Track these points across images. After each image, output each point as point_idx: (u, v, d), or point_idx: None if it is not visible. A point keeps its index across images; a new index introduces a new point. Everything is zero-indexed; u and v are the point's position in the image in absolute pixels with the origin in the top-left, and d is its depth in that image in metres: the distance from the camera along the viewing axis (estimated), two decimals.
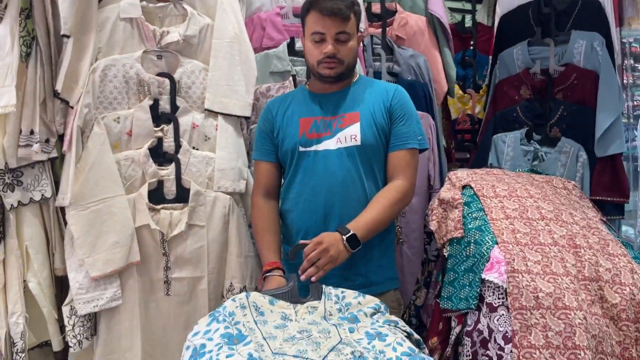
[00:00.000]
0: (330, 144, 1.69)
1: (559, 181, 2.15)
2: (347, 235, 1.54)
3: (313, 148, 1.71)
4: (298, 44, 2.21)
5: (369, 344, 1.35)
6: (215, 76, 2.01)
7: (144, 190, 1.91)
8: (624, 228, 2.55)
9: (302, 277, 1.53)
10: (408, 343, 1.36)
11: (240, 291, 2.00)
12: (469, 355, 1.68)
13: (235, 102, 2.04)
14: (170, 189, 1.95)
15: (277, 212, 1.81)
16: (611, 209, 2.30)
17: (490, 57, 2.81)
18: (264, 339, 1.35)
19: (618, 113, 2.24)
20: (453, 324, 1.80)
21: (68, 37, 1.80)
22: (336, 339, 1.36)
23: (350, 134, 1.68)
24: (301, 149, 1.72)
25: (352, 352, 1.30)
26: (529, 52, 2.55)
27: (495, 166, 2.57)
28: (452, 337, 1.78)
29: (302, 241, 1.59)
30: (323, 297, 1.51)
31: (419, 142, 1.73)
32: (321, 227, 1.63)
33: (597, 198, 2.27)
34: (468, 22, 2.91)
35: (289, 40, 2.23)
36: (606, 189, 2.29)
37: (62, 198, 1.81)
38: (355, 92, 1.76)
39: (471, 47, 2.83)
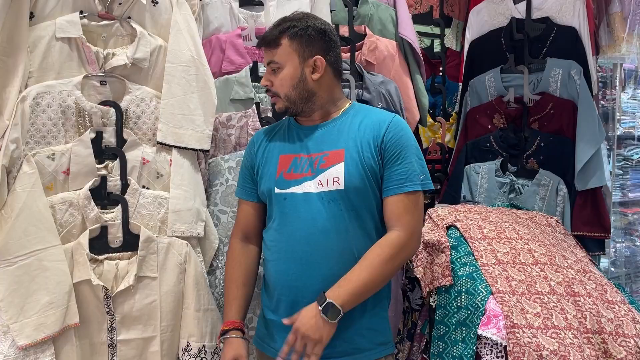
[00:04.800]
0: (311, 187, 1.45)
1: (542, 217, 2.03)
2: (322, 306, 1.32)
3: (291, 190, 1.47)
4: (261, 69, 1.99)
5: None
6: (169, 104, 1.77)
7: (84, 238, 1.63)
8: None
9: None
10: None
11: (199, 351, 1.75)
12: None
13: (191, 134, 1.81)
14: (115, 236, 1.69)
15: (254, 259, 1.59)
16: (592, 245, 2.19)
17: (460, 83, 2.69)
18: None
19: (598, 145, 2.15)
20: None
21: None
22: None
23: (333, 177, 1.43)
24: (277, 190, 1.49)
25: None
26: (501, 80, 2.44)
27: (468, 199, 2.43)
28: None
29: (285, 321, 1.38)
30: None
31: (421, 183, 1.43)
32: (298, 283, 1.39)
33: (578, 233, 2.16)
34: (437, 47, 2.76)
35: (251, 65, 2.01)
36: (587, 224, 2.18)
37: None
38: (343, 125, 1.51)
39: (440, 73, 2.68)
